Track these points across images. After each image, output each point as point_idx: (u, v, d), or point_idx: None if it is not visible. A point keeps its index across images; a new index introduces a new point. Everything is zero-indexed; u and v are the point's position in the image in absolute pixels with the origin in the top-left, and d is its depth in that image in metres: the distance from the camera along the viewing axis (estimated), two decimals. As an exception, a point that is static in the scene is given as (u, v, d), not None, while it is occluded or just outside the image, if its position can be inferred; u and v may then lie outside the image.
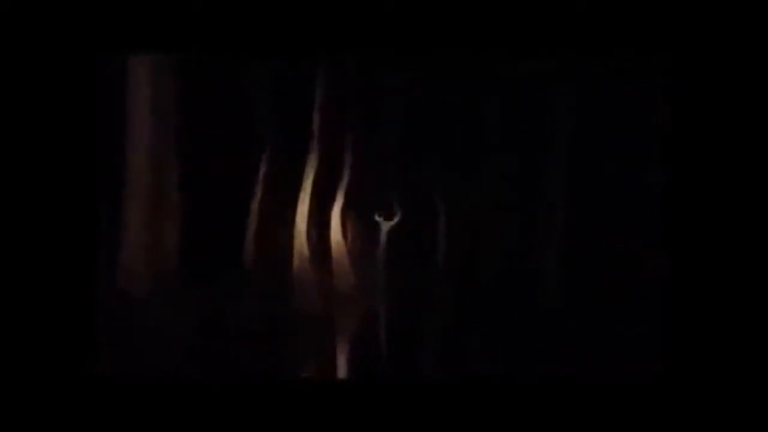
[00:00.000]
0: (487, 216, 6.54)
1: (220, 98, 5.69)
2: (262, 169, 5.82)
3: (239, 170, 5.80)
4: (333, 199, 6.26)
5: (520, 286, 6.23)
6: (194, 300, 4.86)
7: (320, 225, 6.23)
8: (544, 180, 6.39)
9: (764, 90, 2.73)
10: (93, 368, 2.93)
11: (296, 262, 5.76)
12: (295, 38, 3.53)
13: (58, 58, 2.94)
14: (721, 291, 2.73)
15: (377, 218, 6.56)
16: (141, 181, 4.83)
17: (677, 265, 2.82)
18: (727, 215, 2.76)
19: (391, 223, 6.48)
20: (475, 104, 6.38)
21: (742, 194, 2.75)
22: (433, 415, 3.10)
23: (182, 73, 5.00)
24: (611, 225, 6.10)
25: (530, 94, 6.19)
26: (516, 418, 3.05)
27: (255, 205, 5.82)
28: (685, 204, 2.81)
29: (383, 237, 6.53)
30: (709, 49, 2.78)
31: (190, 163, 5.23)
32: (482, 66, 5.75)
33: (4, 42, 2.91)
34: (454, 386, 3.67)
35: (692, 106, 2.82)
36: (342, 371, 4.46)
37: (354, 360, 4.75)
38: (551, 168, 6.36)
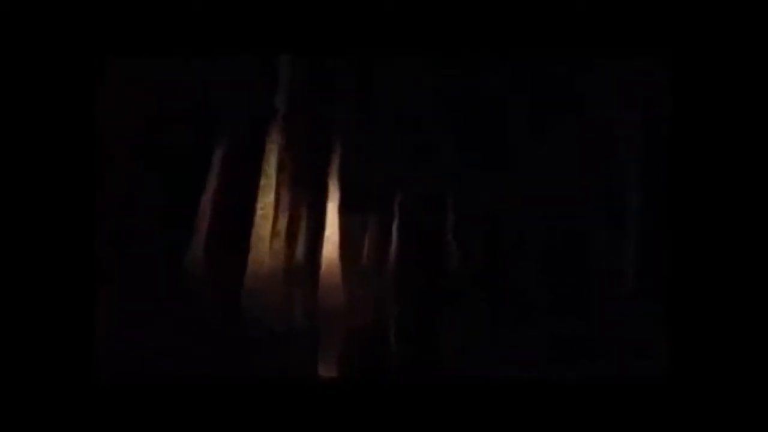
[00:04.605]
0: (490, 215, 6.53)
1: (186, 91, 5.54)
2: (218, 159, 5.59)
3: (198, 160, 5.61)
4: (322, 200, 6.04)
5: (523, 285, 6.22)
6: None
7: (293, 229, 5.95)
8: (544, 180, 6.40)
9: (765, 89, 2.73)
10: (91, 371, 2.92)
11: (253, 269, 5.44)
12: (290, 35, 3.51)
13: (54, 59, 2.93)
14: (725, 290, 2.73)
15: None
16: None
17: (679, 264, 2.81)
18: (730, 214, 2.75)
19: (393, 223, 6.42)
20: (474, 103, 6.38)
21: (744, 193, 2.74)
22: (436, 416, 3.09)
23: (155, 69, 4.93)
24: (612, 224, 6.10)
25: (528, 93, 6.19)
26: (522, 420, 3.05)
27: (207, 201, 5.60)
28: (686, 203, 2.80)
29: (386, 239, 6.49)
30: (709, 49, 2.78)
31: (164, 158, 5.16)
32: (479, 64, 5.75)
33: (3, 42, 2.90)
34: (458, 387, 3.66)
35: (692, 106, 2.81)
36: (327, 373, 4.42)
37: (343, 366, 4.72)
38: (551, 168, 6.36)
